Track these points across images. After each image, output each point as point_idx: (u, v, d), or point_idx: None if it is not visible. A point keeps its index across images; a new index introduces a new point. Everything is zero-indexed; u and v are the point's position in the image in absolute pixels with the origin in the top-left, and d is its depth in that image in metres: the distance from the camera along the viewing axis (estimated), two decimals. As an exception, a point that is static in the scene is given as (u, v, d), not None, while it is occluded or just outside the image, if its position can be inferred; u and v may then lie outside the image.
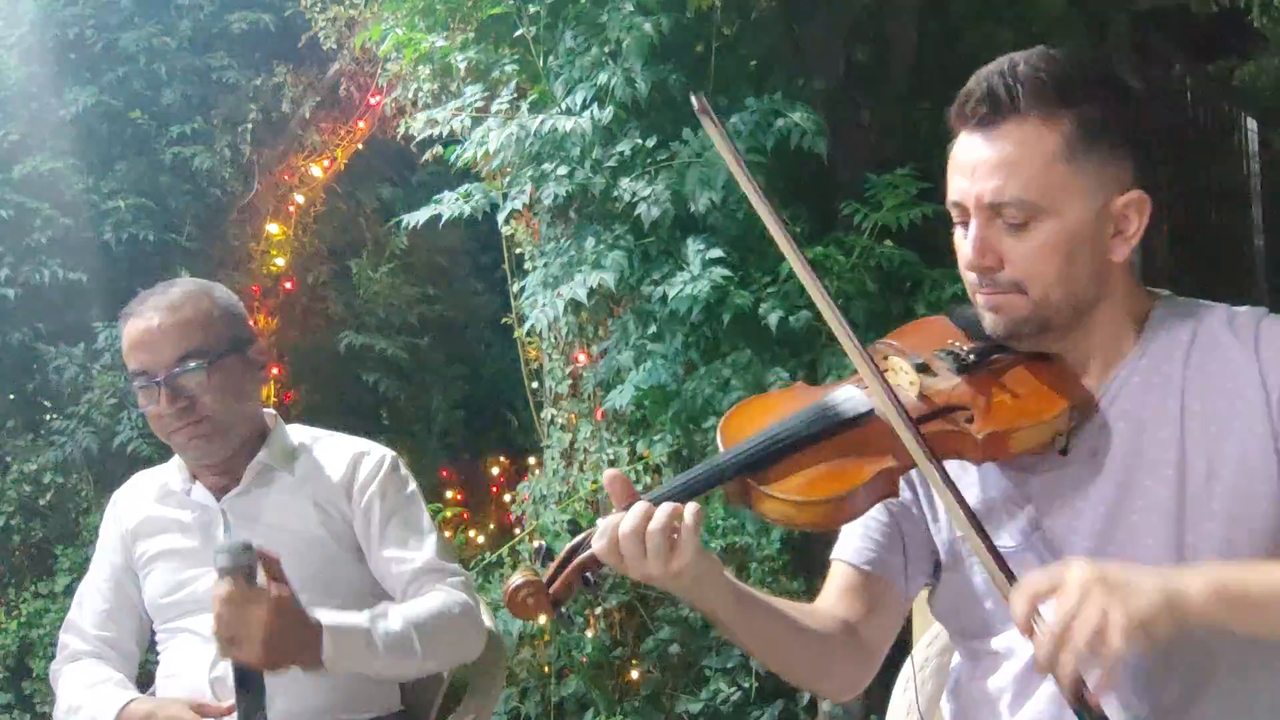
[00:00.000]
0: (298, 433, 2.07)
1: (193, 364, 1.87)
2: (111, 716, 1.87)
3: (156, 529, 2.01)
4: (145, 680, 2.17)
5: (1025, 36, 3.72)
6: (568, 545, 1.26)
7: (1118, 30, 4.59)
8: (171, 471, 2.04)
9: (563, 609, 1.24)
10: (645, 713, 3.45)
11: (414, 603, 1.88)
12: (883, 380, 1.27)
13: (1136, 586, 1.10)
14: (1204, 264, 5.15)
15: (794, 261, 1.30)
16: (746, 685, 3.34)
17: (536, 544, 1.29)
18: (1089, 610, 1.08)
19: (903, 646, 1.72)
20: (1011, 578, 1.18)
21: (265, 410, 2.07)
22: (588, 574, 1.24)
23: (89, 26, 4.44)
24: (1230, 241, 5.60)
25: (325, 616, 1.73)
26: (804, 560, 3.26)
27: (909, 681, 1.73)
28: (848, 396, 1.31)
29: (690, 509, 1.20)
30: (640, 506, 1.20)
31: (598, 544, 1.21)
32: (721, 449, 1.28)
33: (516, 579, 1.23)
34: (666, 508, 1.19)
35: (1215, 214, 5.43)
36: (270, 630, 1.62)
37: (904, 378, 1.31)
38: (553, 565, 1.25)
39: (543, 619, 1.26)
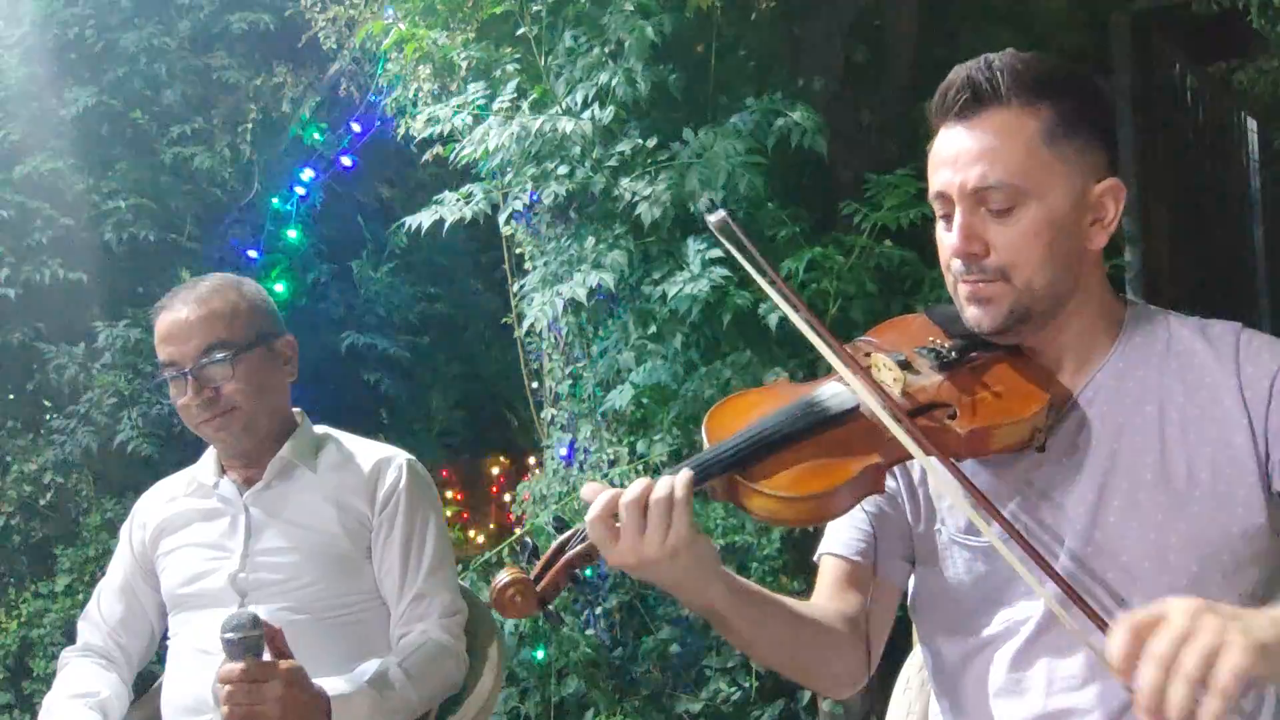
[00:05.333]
0: (322, 431, 2.11)
1: (218, 355, 1.93)
2: None
3: (182, 522, 2.05)
4: (147, 681, 2.17)
5: (1025, 36, 3.72)
6: (556, 541, 1.25)
7: (1118, 30, 4.59)
8: (204, 464, 2.08)
9: (550, 607, 1.23)
10: (645, 713, 3.45)
11: (410, 657, 1.91)
12: (870, 380, 1.28)
13: (1250, 615, 1.02)
14: (1204, 265, 5.14)
15: (767, 288, 1.34)
16: (746, 685, 3.34)
17: (522, 541, 1.27)
18: (1202, 633, 0.97)
19: (902, 647, 1.72)
20: (1036, 556, 1.19)
21: (295, 410, 2.10)
22: (576, 570, 1.23)
23: (89, 26, 4.44)
24: (1230, 242, 5.59)
25: (331, 688, 1.75)
26: (804, 560, 3.25)
27: (909, 682, 1.73)
28: (833, 393, 1.32)
29: (680, 480, 1.19)
30: (640, 480, 1.19)
31: (591, 515, 1.19)
32: (706, 445, 1.28)
33: (504, 577, 1.21)
34: (666, 479, 1.19)
35: (1215, 215, 5.42)
36: (287, 706, 1.63)
37: (887, 374, 1.32)
38: (540, 562, 1.24)
39: (531, 617, 1.25)
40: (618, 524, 1.19)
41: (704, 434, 1.29)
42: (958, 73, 1.33)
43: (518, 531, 3.90)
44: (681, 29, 3.13)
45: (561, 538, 1.25)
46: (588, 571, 1.26)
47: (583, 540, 1.23)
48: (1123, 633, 1.01)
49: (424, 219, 3.31)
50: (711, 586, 1.25)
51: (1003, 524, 1.22)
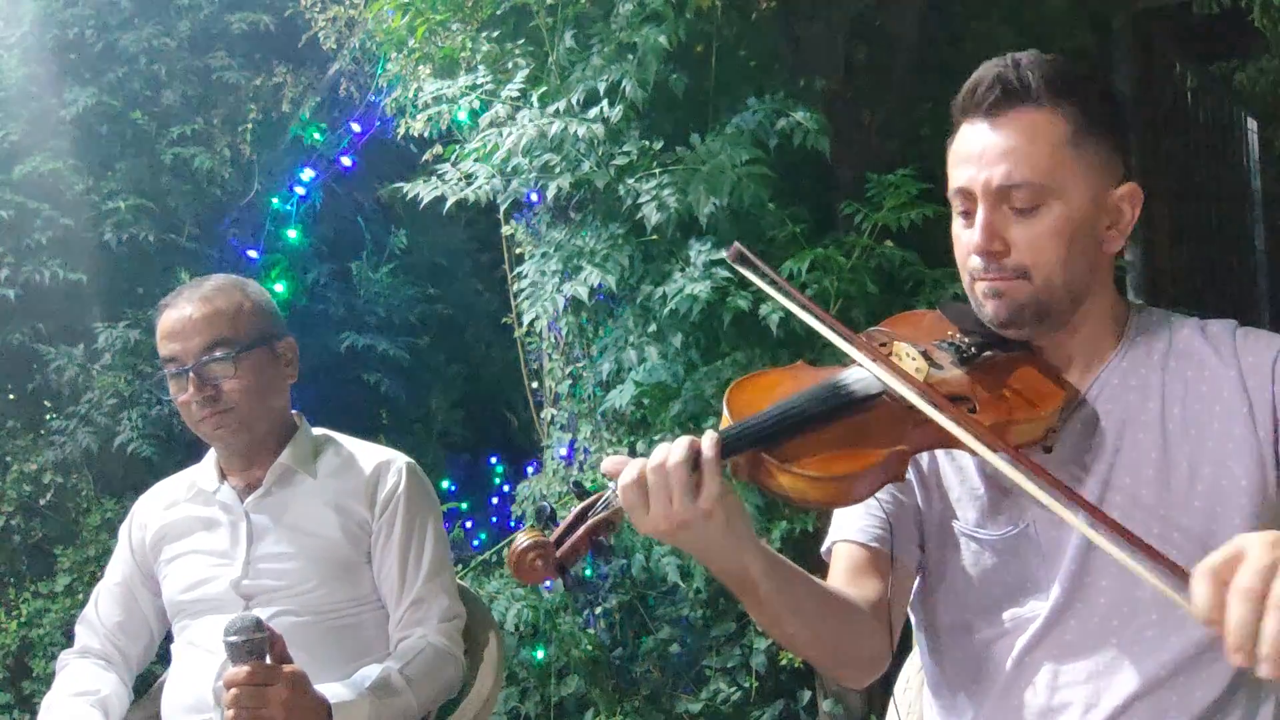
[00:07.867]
0: (321, 434, 2.11)
1: (220, 353, 1.93)
2: None
3: (183, 530, 2.05)
4: (148, 681, 2.18)
5: (1026, 37, 3.72)
6: (579, 506, 1.22)
7: (1119, 30, 4.59)
8: (204, 468, 2.08)
9: (570, 573, 1.20)
10: (645, 713, 3.45)
11: (411, 663, 1.92)
12: (894, 368, 1.29)
13: None
14: (1204, 264, 5.15)
15: (782, 298, 1.36)
16: (746, 685, 3.34)
17: (541, 506, 1.24)
18: None
19: (903, 647, 1.73)
20: (1125, 533, 1.14)
21: (294, 412, 2.10)
22: (599, 537, 1.20)
23: (89, 27, 4.44)
24: (1231, 242, 5.60)
25: (332, 694, 1.75)
26: (805, 560, 3.25)
27: (909, 682, 1.73)
28: (859, 377, 1.32)
29: (708, 439, 1.18)
30: (662, 445, 1.18)
31: (623, 480, 1.16)
32: (728, 418, 1.27)
33: (523, 540, 1.18)
34: (684, 440, 1.17)
35: (1215, 214, 5.43)
36: (291, 710, 1.63)
37: (910, 364, 1.32)
38: (561, 526, 1.21)
39: (548, 582, 1.22)
40: (647, 492, 1.16)
41: (726, 408, 1.28)
42: (987, 70, 1.34)
43: (518, 534, 3.90)
44: (682, 29, 3.13)
45: (584, 503, 1.22)
46: (587, 572, 1.25)
47: (607, 507, 1.20)
48: (1204, 578, 0.98)
49: (423, 191, 3.28)
50: (746, 551, 1.23)
51: (1061, 490, 1.19)
